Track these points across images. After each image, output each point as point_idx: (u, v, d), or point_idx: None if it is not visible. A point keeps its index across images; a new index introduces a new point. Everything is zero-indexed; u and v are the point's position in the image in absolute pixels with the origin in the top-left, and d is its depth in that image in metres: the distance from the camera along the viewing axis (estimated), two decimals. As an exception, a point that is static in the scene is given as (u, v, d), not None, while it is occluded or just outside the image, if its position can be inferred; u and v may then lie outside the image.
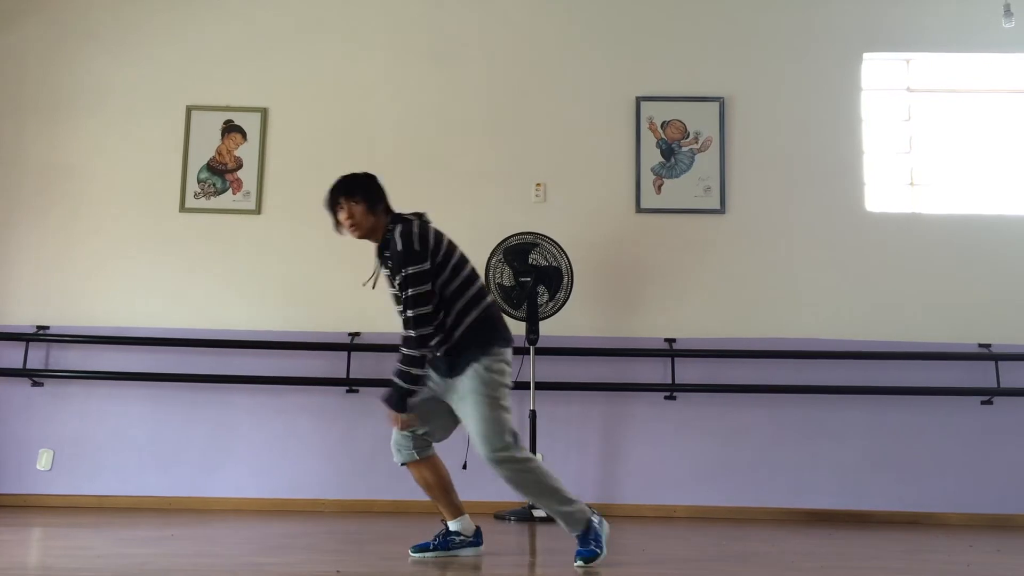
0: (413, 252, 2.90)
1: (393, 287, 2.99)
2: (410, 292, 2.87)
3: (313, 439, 4.78)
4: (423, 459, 3.13)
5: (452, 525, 3.15)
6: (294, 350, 4.82)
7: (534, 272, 4.58)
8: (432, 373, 3.04)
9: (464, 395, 2.94)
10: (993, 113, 5.22)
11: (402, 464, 3.16)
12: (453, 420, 3.10)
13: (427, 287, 2.90)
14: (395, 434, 3.13)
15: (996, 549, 3.67)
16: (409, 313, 2.88)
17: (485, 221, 4.88)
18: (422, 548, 3.12)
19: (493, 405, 2.91)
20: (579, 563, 2.86)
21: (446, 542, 3.13)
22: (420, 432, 3.10)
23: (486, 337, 2.97)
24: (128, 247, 4.97)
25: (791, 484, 4.73)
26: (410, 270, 2.88)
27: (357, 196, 3.04)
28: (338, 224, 3.08)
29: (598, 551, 2.90)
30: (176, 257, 4.96)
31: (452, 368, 2.98)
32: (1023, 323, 4.88)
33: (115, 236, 4.98)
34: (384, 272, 3.07)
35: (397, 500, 4.70)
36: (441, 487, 3.15)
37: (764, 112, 5.11)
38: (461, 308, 2.96)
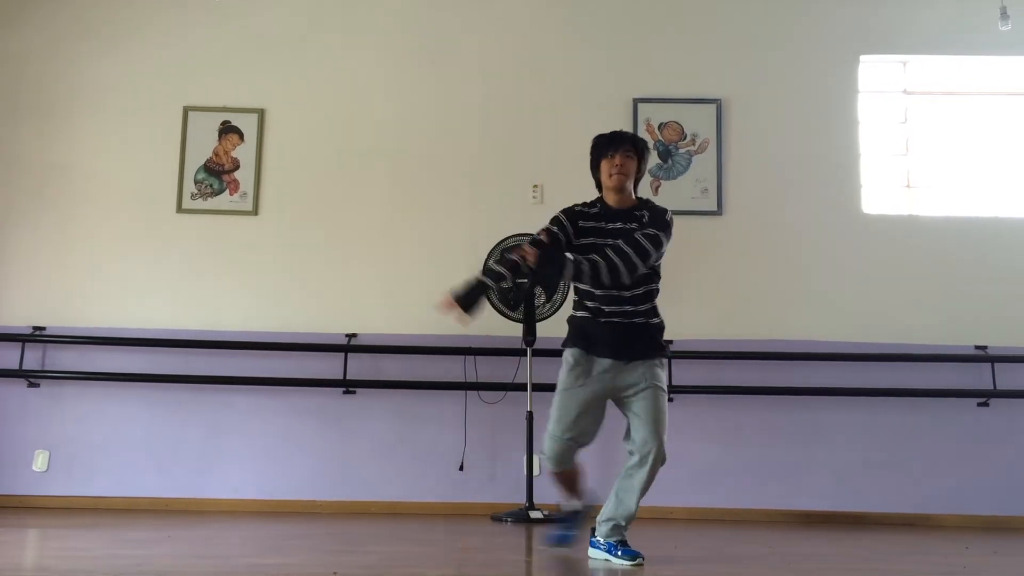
0: (671, 232, 3.08)
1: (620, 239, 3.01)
2: (647, 245, 2.99)
3: (310, 440, 4.77)
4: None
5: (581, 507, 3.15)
6: (291, 351, 4.81)
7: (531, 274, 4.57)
8: (598, 361, 3.00)
9: (647, 385, 2.98)
10: (990, 115, 5.23)
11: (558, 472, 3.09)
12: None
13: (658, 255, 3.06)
14: (559, 447, 3.01)
15: (992, 551, 3.68)
16: (634, 259, 2.96)
17: (482, 222, 4.88)
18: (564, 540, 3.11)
19: (666, 400, 3.02)
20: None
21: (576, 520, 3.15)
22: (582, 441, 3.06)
23: (663, 339, 3.11)
24: (125, 248, 4.96)
25: (788, 486, 4.73)
26: (660, 234, 3.02)
27: (634, 152, 3.14)
28: (605, 164, 3.14)
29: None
30: (173, 258, 4.95)
31: (632, 351, 2.99)
32: (1019, 325, 4.89)
33: (112, 237, 4.97)
34: (628, 227, 3.05)
35: (394, 501, 4.70)
36: (581, 475, 3.16)
37: (761, 114, 5.11)
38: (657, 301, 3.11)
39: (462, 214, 4.94)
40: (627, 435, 3.04)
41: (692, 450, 4.76)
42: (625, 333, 3.02)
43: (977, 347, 4.87)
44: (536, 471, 4.56)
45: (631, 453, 3.01)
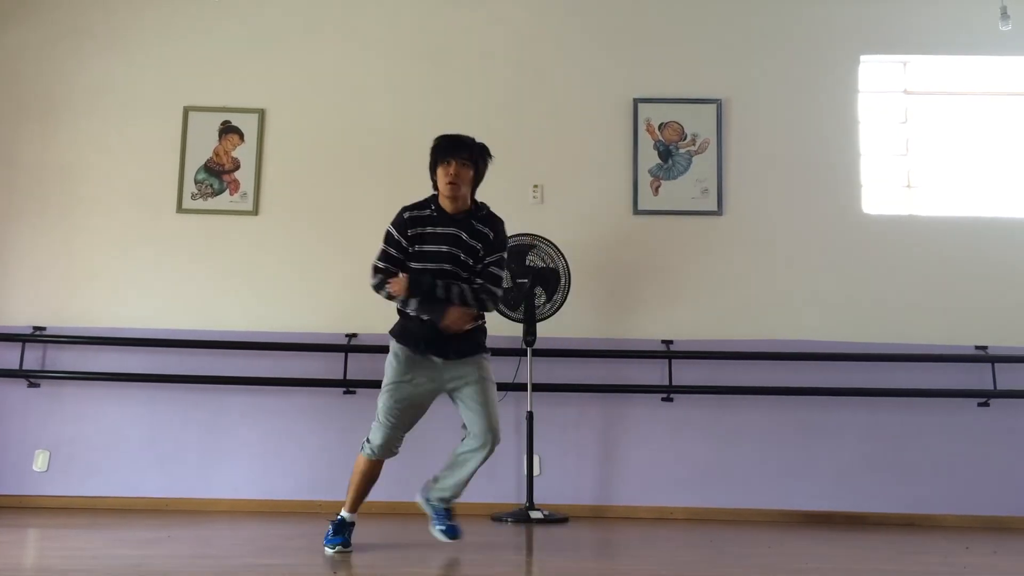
0: (507, 242, 3.38)
1: (465, 254, 3.22)
2: (502, 273, 3.30)
3: (310, 440, 4.77)
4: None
5: (349, 517, 3.30)
6: (291, 351, 4.81)
7: (531, 273, 4.58)
8: (430, 360, 3.24)
9: (478, 378, 3.23)
10: (990, 116, 5.23)
11: (378, 460, 3.27)
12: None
13: None
14: (388, 435, 3.22)
15: (992, 551, 3.68)
16: (499, 292, 3.28)
17: (482, 222, 4.88)
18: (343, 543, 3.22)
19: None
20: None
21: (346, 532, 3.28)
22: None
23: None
24: (125, 248, 4.96)
25: (788, 486, 4.73)
26: (505, 256, 3.33)
27: (470, 161, 3.26)
28: (441, 171, 3.25)
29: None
30: (173, 258, 4.95)
31: (462, 351, 3.24)
32: (1019, 325, 4.89)
33: (112, 237, 4.97)
34: (460, 234, 3.23)
35: (393, 501, 4.69)
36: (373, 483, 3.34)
37: (761, 114, 5.11)
38: None
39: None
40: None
41: (692, 450, 4.77)
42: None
43: (977, 347, 4.87)
44: (536, 471, 4.56)
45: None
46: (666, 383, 4.77)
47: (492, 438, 3.19)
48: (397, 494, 4.70)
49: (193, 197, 5.01)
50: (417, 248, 3.22)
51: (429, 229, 3.23)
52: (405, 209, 3.29)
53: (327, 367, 4.79)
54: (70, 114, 5.09)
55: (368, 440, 3.25)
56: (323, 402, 4.79)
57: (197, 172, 5.03)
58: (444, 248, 3.19)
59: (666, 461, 4.76)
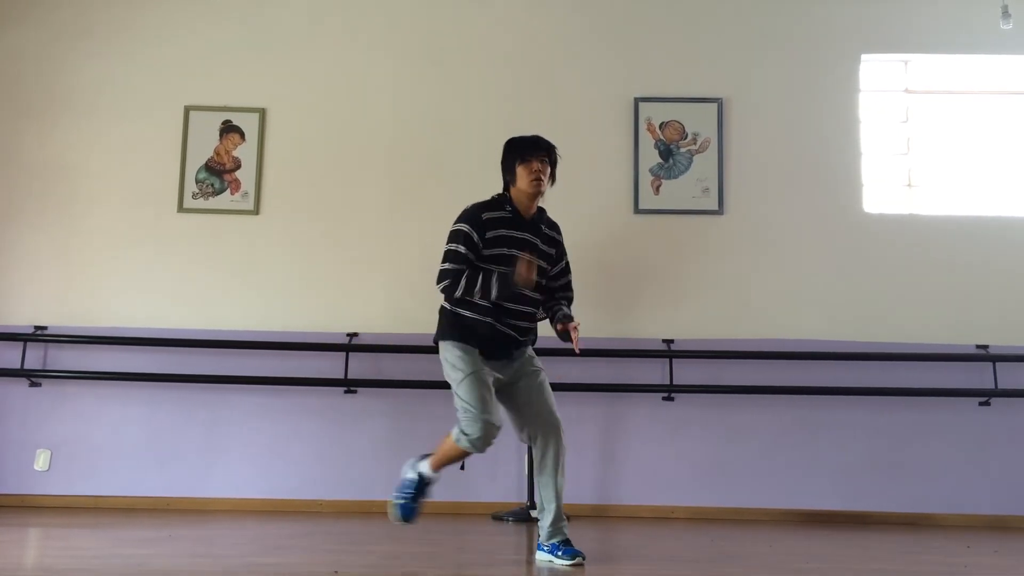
0: None
1: (543, 261, 3.22)
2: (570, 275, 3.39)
3: (311, 440, 4.78)
4: None
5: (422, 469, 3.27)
6: (292, 350, 4.82)
7: (532, 273, 4.57)
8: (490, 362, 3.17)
9: (535, 371, 3.21)
10: (991, 115, 5.22)
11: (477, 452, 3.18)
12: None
13: None
14: (484, 420, 3.07)
15: (993, 550, 3.68)
16: (571, 294, 3.39)
17: (483, 222, 4.87)
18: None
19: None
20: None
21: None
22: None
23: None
24: (126, 247, 4.96)
25: (789, 485, 4.73)
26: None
27: (548, 160, 3.24)
28: (523, 169, 3.19)
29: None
30: (174, 257, 4.95)
31: (521, 346, 3.23)
32: (1021, 324, 4.89)
33: (113, 236, 4.98)
34: (535, 241, 3.22)
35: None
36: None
37: (762, 113, 5.11)
38: None
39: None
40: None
41: (693, 450, 4.77)
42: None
43: (979, 347, 4.86)
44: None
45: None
46: (667, 382, 4.77)
47: (554, 426, 3.12)
48: (398, 493, 4.71)
49: (194, 196, 5.01)
50: (494, 251, 3.12)
51: (504, 232, 3.14)
52: (479, 208, 3.17)
53: (328, 366, 4.79)
54: (70, 113, 5.09)
55: (464, 433, 3.06)
56: (324, 401, 4.80)
57: (198, 171, 5.03)
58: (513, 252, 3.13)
59: (667, 461, 4.76)
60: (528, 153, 3.18)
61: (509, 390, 3.18)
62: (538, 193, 3.18)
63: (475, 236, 3.10)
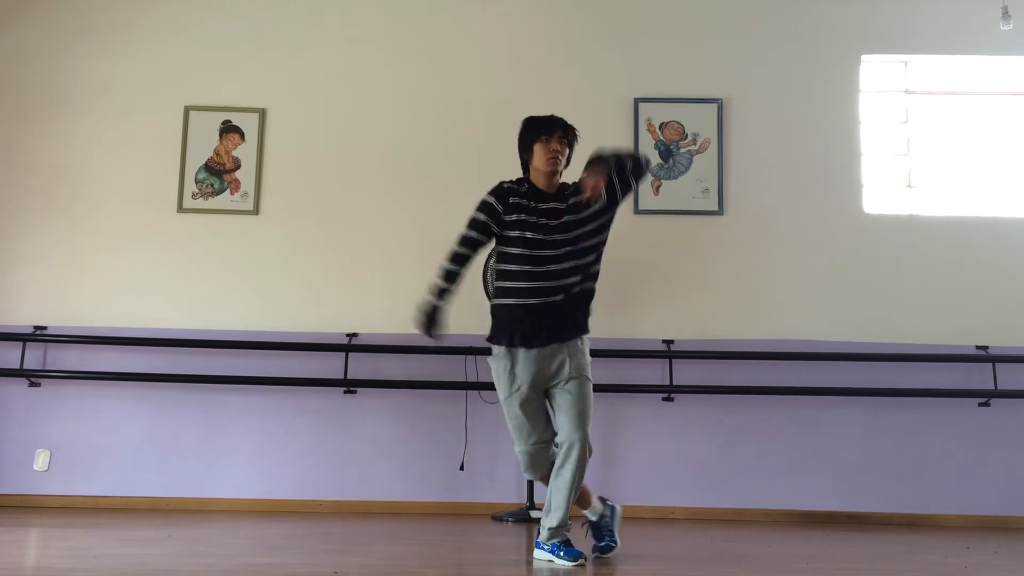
0: None
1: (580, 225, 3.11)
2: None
3: (311, 440, 4.78)
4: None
5: (591, 515, 3.22)
6: (292, 351, 4.81)
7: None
8: (523, 353, 3.06)
9: (576, 378, 3.04)
10: (991, 115, 5.22)
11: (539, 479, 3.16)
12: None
13: None
14: (523, 450, 3.08)
15: (993, 551, 3.68)
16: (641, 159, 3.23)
17: (483, 222, 4.87)
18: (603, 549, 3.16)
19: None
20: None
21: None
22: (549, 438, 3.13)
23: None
24: (126, 247, 4.96)
25: (789, 485, 4.73)
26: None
27: (566, 139, 3.20)
28: (540, 147, 3.15)
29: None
30: (174, 257, 4.95)
31: (551, 338, 3.05)
32: (1021, 325, 4.89)
33: (113, 236, 4.97)
34: (560, 206, 3.13)
35: (394, 501, 4.70)
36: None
37: (762, 114, 5.11)
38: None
39: (464, 213, 4.87)
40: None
41: (692, 450, 4.77)
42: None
43: (978, 347, 4.86)
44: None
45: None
46: (667, 383, 4.77)
47: (577, 439, 2.98)
48: (398, 494, 4.72)
49: (194, 196, 5.01)
50: (511, 233, 3.11)
51: (523, 203, 3.13)
52: (502, 183, 3.21)
53: (327, 366, 4.79)
54: (71, 114, 5.09)
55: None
56: (323, 401, 4.80)
57: (198, 171, 5.03)
58: (541, 221, 3.09)
59: (667, 461, 4.76)
60: (546, 131, 3.17)
61: (553, 391, 3.10)
62: (555, 172, 3.15)
63: (494, 202, 3.14)
